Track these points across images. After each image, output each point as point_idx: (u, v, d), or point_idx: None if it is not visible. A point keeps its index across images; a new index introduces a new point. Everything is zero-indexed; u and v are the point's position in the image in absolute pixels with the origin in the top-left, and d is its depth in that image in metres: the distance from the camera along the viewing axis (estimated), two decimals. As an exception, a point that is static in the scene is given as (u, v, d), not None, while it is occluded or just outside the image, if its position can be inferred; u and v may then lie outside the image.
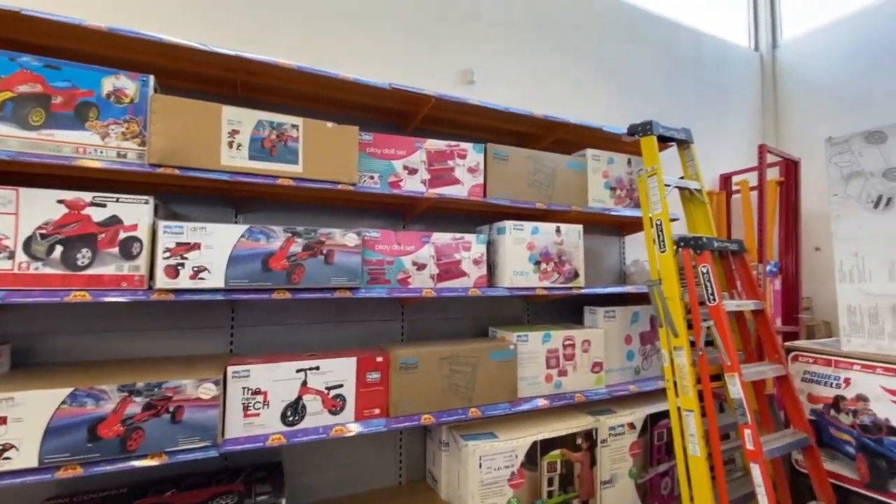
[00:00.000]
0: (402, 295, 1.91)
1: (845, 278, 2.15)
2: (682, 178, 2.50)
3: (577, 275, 2.38)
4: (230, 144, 1.68)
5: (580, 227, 2.41)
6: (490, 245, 2.31)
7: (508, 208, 2.36)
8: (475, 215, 2.61)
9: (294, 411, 1.73)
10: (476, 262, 2.16)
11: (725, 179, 3.97)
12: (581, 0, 3.44)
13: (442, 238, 2.08)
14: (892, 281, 2.01)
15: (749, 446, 1.82)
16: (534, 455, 2.05)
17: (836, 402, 2.08)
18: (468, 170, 2.19)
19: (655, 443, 2.43)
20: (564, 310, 2.87)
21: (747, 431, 1.82)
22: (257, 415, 1.67)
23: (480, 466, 1.94)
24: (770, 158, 3.57)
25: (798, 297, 3.60)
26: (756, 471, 1.79)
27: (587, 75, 3.41)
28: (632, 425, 2.34)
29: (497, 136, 2.69)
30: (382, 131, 2.28)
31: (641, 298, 2.78)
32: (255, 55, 1.77)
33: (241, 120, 1.71)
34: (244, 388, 1.67)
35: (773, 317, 3.35)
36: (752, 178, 3.78)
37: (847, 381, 2.05)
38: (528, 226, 2.26)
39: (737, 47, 4.50)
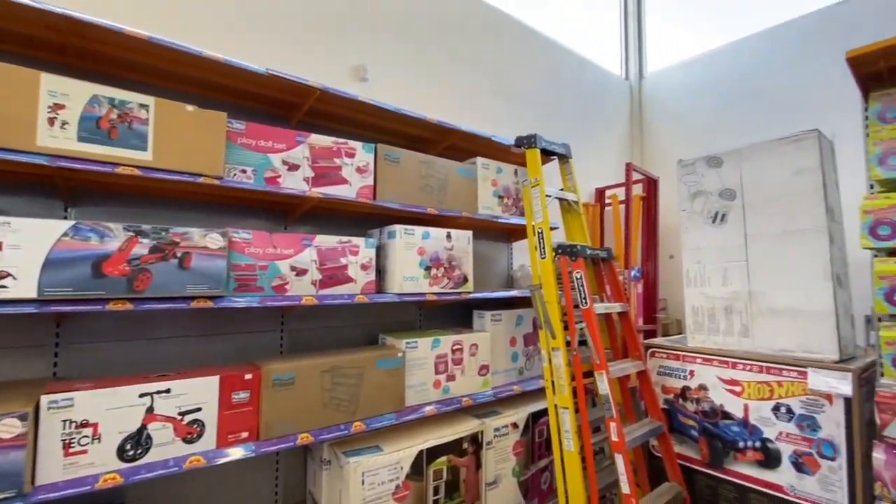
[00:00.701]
0: (277, 304, 1.73)
1: (691, 283, 2.47)
2: (561, 189, 2.68)
3: (466, 280, 2.40)
4: (51, 121, 1.37)
5: (470, 232, 2.44)
6: (380, 249, 2.22)
7: (399, 212, 2.30)
8: (364, 218, 2.50)
9: (136, 444, 1.45)
10: (364, 267, 2.06)
11: (600, 193, 4.39)
12: (479, 13, 3.54)
13: (326, 241, 1.95)
14: (724, 285, 2.36)
15: (614, 438, 1.98)
16: (420, 464, 2.01)
17: (683, 392, 2.38)
18: (357, 170, 2.09)
19: (536, 440, 2.55)
20: (455, 314, 2.90)
21: (612, 424, 1.98)
22: (84, 452, 1.38)
23: (363, 483, 1.84)
24: (636, 176, 4.03)
25: (656, 299, 4.10)
26: (619, 460, 1.95)
27: (481, 86, 3.52)
28: (515, 425, 2.42)
29: (390, 138, 2.62)
30: (263, 122, 2.07)
31: (526, 302, 2.91)
32: (90, 17, 1.47)
33: (69, 93, 1.40)
34: (66, 420, 1.36)
35: (635, 317, 3.77)
36: (622, 193, 4.23)
37: (692, 372, 2.35)
38: (419, 230, 2.22)
39: (612, 75, 5.02)
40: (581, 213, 2.62)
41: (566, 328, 2.22)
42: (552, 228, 2.55)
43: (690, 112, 4.70)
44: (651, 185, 4.23)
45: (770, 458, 2.06)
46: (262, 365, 1.77)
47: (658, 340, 2.64)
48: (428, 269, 2.24)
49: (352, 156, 2.07)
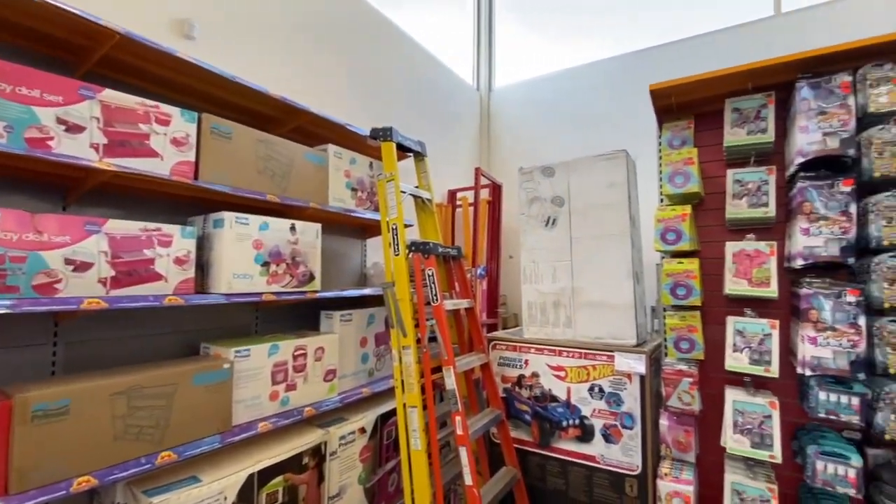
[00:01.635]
0: (40, 309, 1.29)
1: (527, 280, 2.70)
2: (417, 187, 2.66)
3: (313, 277, 2.19)
4: None
5: (318, 226, 2.24)
6: (202, 241, 1.86)
7: (231, 197, 1.97)
8: (184, 203, 2.08)
9: None
10: (180, 261, 1.69)
11: (452, 194, 4.56)
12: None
13: (123, 227, 1.53)
14: (554, 282, 2.63)
15: (459, 432, 2.01)
16: (250, 491, 1.74)
17: (519, 380, 2.58)
18: (173, 141, 1.70)
19: (384, 442, 2.48)
20: (301, 316, 2.64)
21: (458, 418, 2.02)
22: None
23: (171, 526, 1.49)
24: (483, 181, 4.29)
25: (498, 295, 4.44)
26: (463, 453, 1.99)
27: (336, 71, 3.30)
28: (363, 430, 2.30)
29: (223, 111, 2.24)
30: (40, 67, 1.53)
31: (380, 300, 2.82)
32: None
33: None
34: None
35: (480, 312, 4.01)
36: (472, 196, 4.46)
37: (526, 362, 2.56)
38: (256, 220, 1.93)
39: (465, 84, 5.27)
40: (434, 212, 2.63)
41: (417, 326, 2.19)
42: (407, 226, 2.51)
43: (529, 126, 5.23)
44: (496, 190, 4.57)
45: (586, 433, 2.36)
46: (16, 392, 1.29)
47: (499, 333, 2.82)
48: (266, 265, 1.96)
49: (165, 123, 1.68)
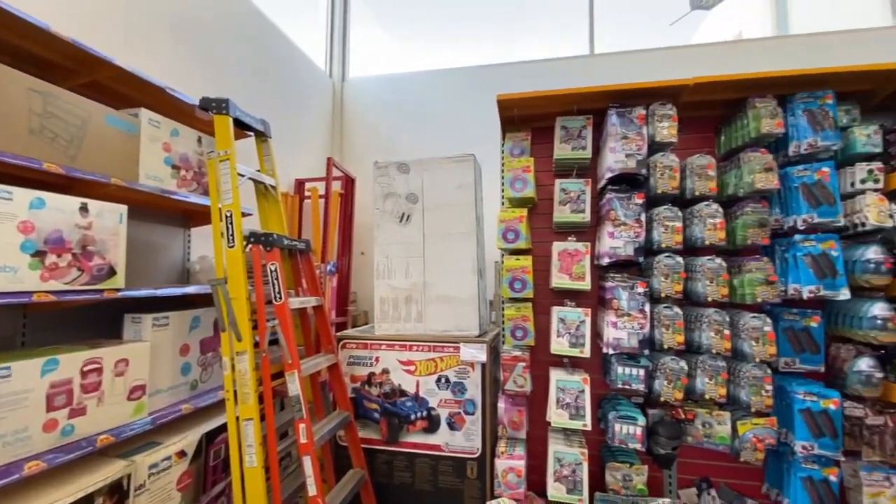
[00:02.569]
0: None
1: (380, 275, 2.66)
2: (258, 171, 2.37)
3: (113, 272, 1.76)
4: None
5: (123, 208, 1.81)
6: (-73, 219, 1.32)
7: (-19, 162, 1.45)
8: None
9: None
10: None
11: (300, 184, 4.24)
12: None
13: None
14: (406, 278, 2.65)
15: (302, 440, 1.86)
16: (5, 556, 1.30)
17: (369, 378, 2.52)
18: None
19: (211, 463, 2.14)
20: (98, 320, 2.11)
21: (301, 426, 1.86)
22: None
23: None
24: (336, 173, 4.10)
25: (348, 292, 4.30)
26: (307, 462, 1.84)
27: (163, 26, 2.74)
28: (181, 453, 1.95)
29: (-30, 43, 1.64)
30: None
31: (208, 300, 2.43)
32: None
33: None
34: None
35: (329, 310, 3.83)
36: (323, 187, 4.22)
37: (377, 359, 2.52)
38: (24, 195, 1.46)
39: (318, 68, 4.96)
40: (279, 201, 2.39)
41: (256, 328, 1.95)
42: (245, 214, 2.22)
43: (384, 121, 5.20)
44: (349, 183, 4.42)
45: (433, 424, 2.43)
46: None
47: (350, 331, 2.71)
48: (40, 254, 1.50)
49: None
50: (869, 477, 1.80)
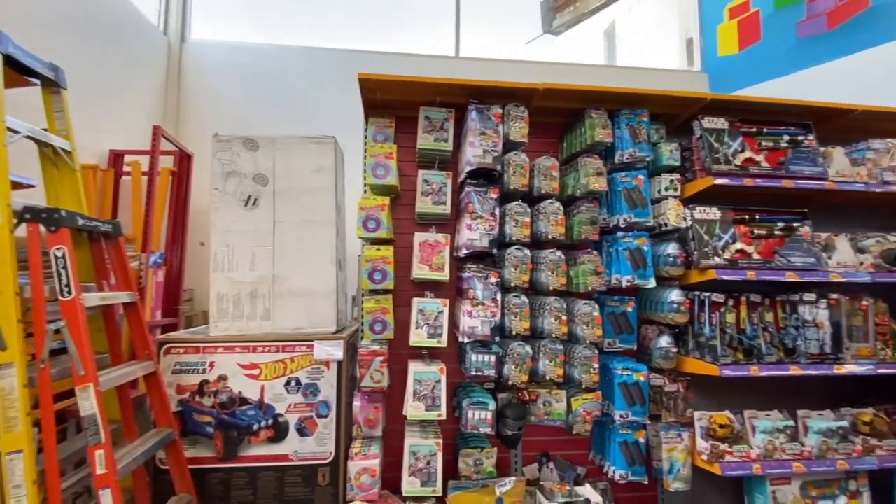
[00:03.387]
0: None
1: (218, 267, 2.30)
2: (45, 130, 1.83)
3: None
4: None
5: None
6: None
7: None
8: None
9: None
10: None
11: (117, 157, 3.48)
12: None
13: None
14: (252, 270, 2.34)
15: (100, 470, 1.47)
16: None
17: (201, 387, 2.15)
18: None
19: (-47, 520, 1.57)
20: None
21: (98, 453, 1.47)
22: None
23: None
24: (167, 146, 3.46)
25: (180, 289, 3.67)
26: (106, 497, 1.47)
27: None
28: None
29: None
30: None
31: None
32: None
33: None
34: None
35: (152, 310, 3.20)
36: (147, 163, 3.52)
37: (212, 364, 2.17)
38: None
39: (146, 21, 4.14)
40: (76, 171, 1.89)
41: (31, 334, 1.49)
42: (21, 185, 1.69)
43: (234, 94, 4.60)
44: (185, 160, 3.78)
45: (280, 432, 2.19)
46: None
47: (175, 334, 2.29)
48: None
49: None
50: (666, 435, 2.16)
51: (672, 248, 2.21)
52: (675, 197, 2.27)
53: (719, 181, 2.12)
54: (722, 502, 2.38)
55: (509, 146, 2.20)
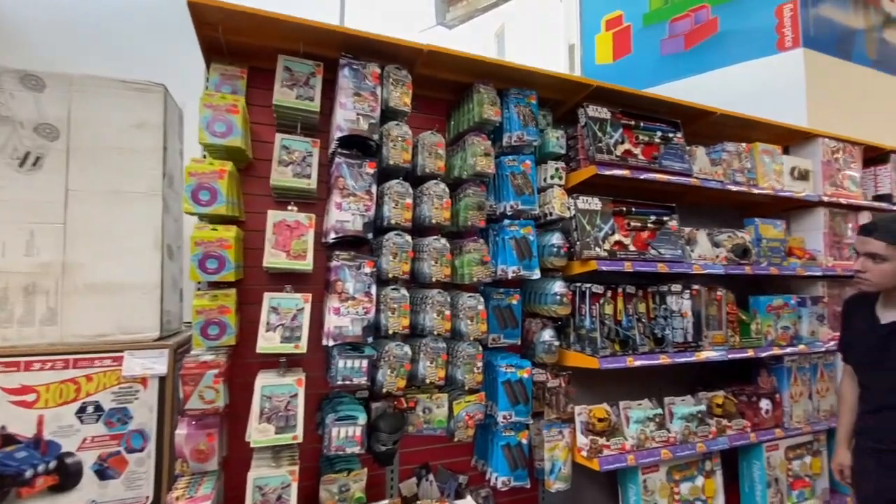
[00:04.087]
0: None
1: (-33, 251, 1.61)
2: None
3: None
4: None
5: None
6: None
7: None
8: None
9: None
10: None
11: None
12: None
13: None
14: (29, 255, 1.68)
15: None
16: None
17: (-71, 426, 1.47)
18: None
19: None
20: None
21: None
22: None
23: None
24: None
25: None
26: None
27: None
28: None
29: None
30: None
31: None
32: None
33: None
34: None
35: None
36: None
37: (-50, 390, 1.49)
38: None
39: None
40: None
41: None
42: None
43: (45, 35, 3.51)
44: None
45: (69, 477, 1.60)
46: None
47: None
48: None
49: None
50: (548, 433, 2.06)
51: (557, 239, 2.11)
52: (560, 185, 2.19)
53: (602, 171, 2.08)
54: (599, 496, 2.38)
55: (389, 115, 1.89)
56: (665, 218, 2.33)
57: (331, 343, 1.66)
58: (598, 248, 2.09)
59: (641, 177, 2.17)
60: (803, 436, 2.49)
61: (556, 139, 2.19)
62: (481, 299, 1.96)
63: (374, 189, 1.79)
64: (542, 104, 2.26)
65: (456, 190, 2.07)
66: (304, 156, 1.81)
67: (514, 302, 2.14)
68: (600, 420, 2.08)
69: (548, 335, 2.13)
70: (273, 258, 1.67)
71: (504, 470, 1.96)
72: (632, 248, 2.21)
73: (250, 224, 1.90)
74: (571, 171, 2.25)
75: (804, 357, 2.56)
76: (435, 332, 1.85)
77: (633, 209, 2.27)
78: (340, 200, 1.73)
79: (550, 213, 2.16)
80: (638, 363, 2.07)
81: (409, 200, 1.86)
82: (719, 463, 2.31)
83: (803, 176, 2.68)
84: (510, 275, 2.00)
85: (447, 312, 1.88)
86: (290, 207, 1.78)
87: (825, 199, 2.72)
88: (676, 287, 2.28)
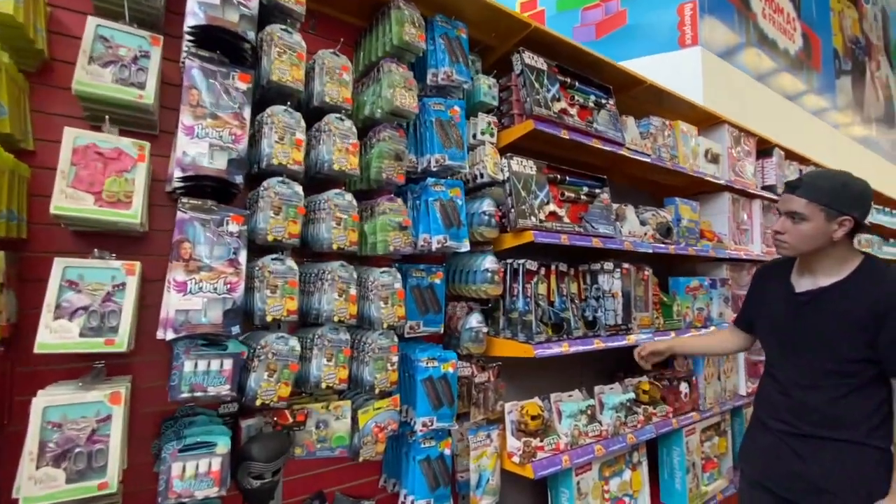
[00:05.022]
0: None
1: None
2: None
3: None
4: None
5: None
6: None
7: None
8: None
9: None
10: None
11: None
12: None
13: None
14: None
15: None
16: None
17: None
18: None
19: None
20: None
21: None
22: None
23: None
24: None
25: None
26: None
27: None
28: None
29: None
30: None
31: None
32: None
33: None
34: None
35: None
36: None
37: None
38: None
39: None
40: None
41: None
42: None
43: None
44: None
45: None
46: None
47: None
48: None
49: None
50: (475, 438, 1.71)
51: (488, 205, 1.77)
52: (492, 143, 1.85)
53: (540, 127, 1.78)
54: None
55: (274, 14, 1.36)
56: (597, 190, 2.13)
57: (170, 336, 1.09)
58: (533, 218, 1.79)
59: (579, 139, 1.92)
60: (714, 417, 2.50)
61: (488, 87, 1.84)
62: (399, 276, 1.52)
63: (247, 113, 1.24)
64: (470, 47, 1.89)
65: (366, 136, 1.60)
66: (137, 55, 1.20)
67: (438, 281, 1.75)
68: (534, 418, 1.78)
69: (475, 320, 1.77)
70: (68, 202, 1.05)
71: (422, 491, 1.56)
72: (566, 220, 1.95)
73: (43, 157, 1.22)
74: (504, 128, 1.92)
75: (714, 338, 2.57)
76: (335, 319, 1.36)
77: (567, 178, 2.02)
78: (192, 123, 1.16)
79: (481, 175, 1.80)
80: (573, 349, 1.81)
81: (301, 136, 1.34)
82: (645, 454, 2.18)
83: (715, 159, 2.71)
84: (434, 246, 1.60)
85: (352, 292, 1.41)
86: (106, 128, 1.15)
87: (730, 183, 2.79)
88: (608, 265, 2.09)
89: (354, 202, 1.45)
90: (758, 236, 3.03)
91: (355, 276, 1.44)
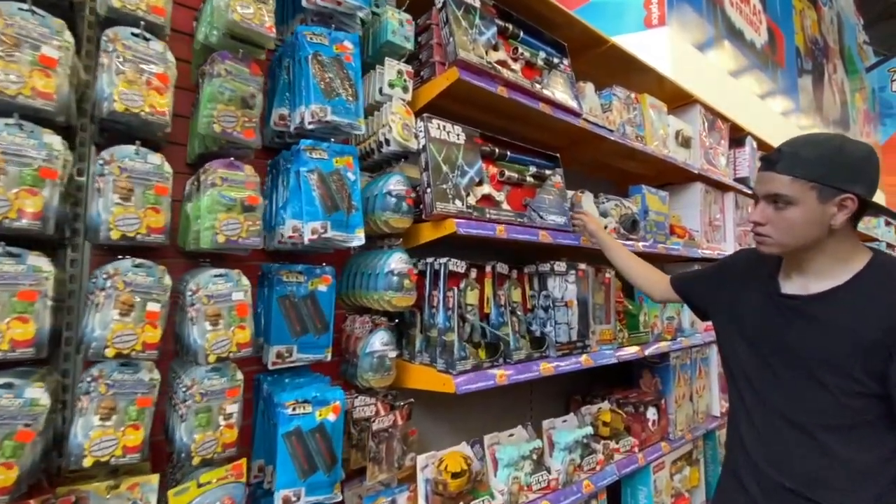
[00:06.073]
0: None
1: None
2: None
3: None
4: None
5: None
6: None
7: None
8: None
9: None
10: None
11: None
12: None
13: None
14: None
15: None
16: None
17: None
18: None
19: None
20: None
21: None
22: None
23: None
24: None
25: None
26: None
27: None
28: None
29: None
30: None
31: None
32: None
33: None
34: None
35: None
36: None
37: None
38: None
39: None
40: None
41: None
42: None
43: None
44: None
45: None
46: None
47: None
48: None
49: None
50: (370, 511, 1.22)
51: (395, 184, 1.29)
52: (403, 101, 1.36)
53: (467, 77, 1.31)
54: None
55: None
56: (548, 171, 1.68)
57: None
58: (459, 201, 1.32)
59: (523, 100, 1.46)
60: (685, 445, 2.11)
61: (398, 23, 1.36)
62: (243, 280, 1.02)
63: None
64: (379, -26, 1.41)
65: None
66: None
67: (323, 287, 1.25)
68: (455, 475, 1.30)
69: (379, 342, 1.29)
70: None
71: None
72: (506, 206, 1.49)
73: None
74: (423, 82, 1.45)
75: (685, 353, 2.19)
76: (106, 353, 0.84)
77: (509, 153, 1.57)
78: None
79: (387, 142, 1.32)
80: (512, 379, 1.36)
81: (52, 51, 0.82)
82: (605, 500, 1.75)
83: (686, 143, 2.33)
84: (308, 237, 1.10)
85: (153, 308, 0.89)
86: None
87: (703, 173, 2.42)
88: (561, 266, 1.65)
89: (167, 167, 0.93)
90: (731, 234, 2.69)
91: (167, 282, 0.92)
